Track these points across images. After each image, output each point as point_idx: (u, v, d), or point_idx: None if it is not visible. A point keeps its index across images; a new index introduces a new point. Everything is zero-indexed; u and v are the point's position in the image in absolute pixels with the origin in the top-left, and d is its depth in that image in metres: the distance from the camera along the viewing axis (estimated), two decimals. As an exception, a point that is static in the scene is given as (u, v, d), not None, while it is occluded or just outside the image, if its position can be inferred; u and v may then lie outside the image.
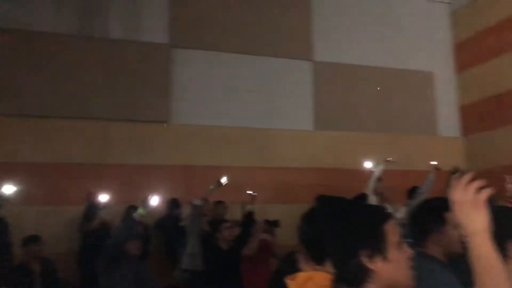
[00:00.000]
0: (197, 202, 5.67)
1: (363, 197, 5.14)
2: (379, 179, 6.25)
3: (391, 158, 6.12)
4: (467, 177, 1.34)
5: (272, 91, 8.60)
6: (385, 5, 9.54)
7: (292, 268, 2.03)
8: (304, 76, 8.90)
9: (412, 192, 5.74)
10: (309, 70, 8.96)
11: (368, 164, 6.21)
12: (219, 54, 8.45)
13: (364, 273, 1.30)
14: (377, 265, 1.29)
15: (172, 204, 7.07)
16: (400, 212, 4.71)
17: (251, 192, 6.27)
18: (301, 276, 1.96)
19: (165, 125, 7.91)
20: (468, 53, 9.52)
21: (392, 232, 1.33)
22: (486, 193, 1.34)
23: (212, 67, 8.36)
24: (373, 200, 5.90)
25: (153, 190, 7.44)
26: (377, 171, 5.75)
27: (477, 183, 1.34)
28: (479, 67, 9.27)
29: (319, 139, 8.65)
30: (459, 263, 2.21)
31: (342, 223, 1.34)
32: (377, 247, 1.30)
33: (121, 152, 7.55)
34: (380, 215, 1.36)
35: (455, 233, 2.22)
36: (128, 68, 7.90)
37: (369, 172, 5.87)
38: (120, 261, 4.28)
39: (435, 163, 5.99)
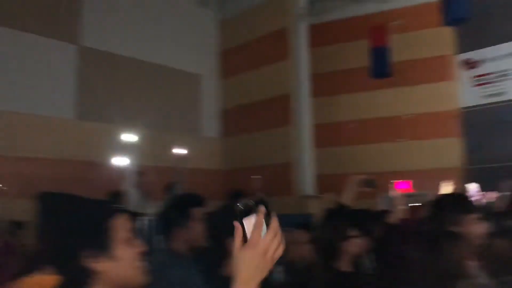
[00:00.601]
0: None
1: (118, 193, 4.96)
2: (141, 174, 6.18)
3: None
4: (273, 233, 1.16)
5: (28, 71, 7.64)
6: (160, 3, 9.56)
7: (34, 270, 1.80)
8: (68, 60, 8.20)
9: (168, 187, 5.85)
10: (74, 54, 8.29)
11: (124, 160, 6.07)
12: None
13: (88, 275, 1.16)
14: (102, 265, 1.17)
15: None
16: (155, 208, 4.71)
17: None
18: (27, 282, 1.74)
19: None
20: (233, 61, 10.32)
21: (121, 228, 1.22)
22: (280, 251, 1.20)
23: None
24: (133, 195, 5.79)
25: None
26: (136, 167, 5.67)
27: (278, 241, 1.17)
28: (242, 75, 10.14)
29: (79, 129, 8.06)
30: (204, 257, 2.27)
31: (61, 222, 1.18)
32: (101, 246, 1.17)
33: None
34: (105, 211, 1.24)
35: (200, 227, 2.27)
36: None
37: (128, 168, 5.74)
38: None
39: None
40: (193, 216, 2.30)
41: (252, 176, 6.60)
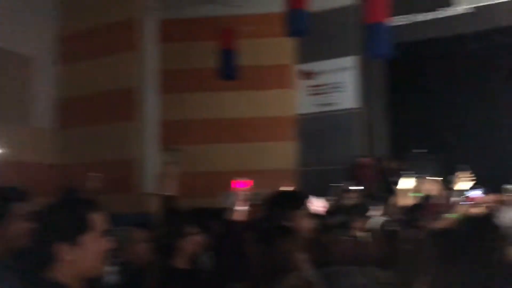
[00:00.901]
0: None
1: None
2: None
3: None
4: None
5: None
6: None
7: None
8: None
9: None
10: None
11: None
12: None
13: None
14: None
15: None
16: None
17: None
18: None
19: None
20: (75, 47, 9.55)
21: None
22: None
23: None
24: None
25: None
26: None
27: None
28: (84, 63, 9.45)
29: None
30: (25, 259, 2.03)
31: None
32: None
33: None
34: None
35: (21, 226, 2.03)
36: None
37: None
38: None
39: None
40: (12, 213, 2.04)
41: (89, 173, 6.19)
